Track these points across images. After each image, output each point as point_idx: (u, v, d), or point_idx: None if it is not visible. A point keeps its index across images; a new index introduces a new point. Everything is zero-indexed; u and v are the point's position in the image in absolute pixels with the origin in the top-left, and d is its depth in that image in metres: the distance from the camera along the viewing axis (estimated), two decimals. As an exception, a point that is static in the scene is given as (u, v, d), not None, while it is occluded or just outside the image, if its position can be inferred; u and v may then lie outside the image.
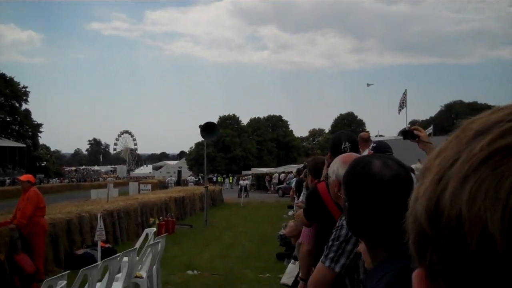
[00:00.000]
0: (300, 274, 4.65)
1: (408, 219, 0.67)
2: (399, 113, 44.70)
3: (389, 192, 1.74)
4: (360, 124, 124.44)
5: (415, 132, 4.26)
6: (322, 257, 3.19)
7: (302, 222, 4.48)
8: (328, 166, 4.87)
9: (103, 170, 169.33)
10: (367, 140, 9.10)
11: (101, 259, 10.43)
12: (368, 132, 9.49)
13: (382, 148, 5.83)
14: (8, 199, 44.27)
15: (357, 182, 1.81)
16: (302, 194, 8.88)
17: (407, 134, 4.32)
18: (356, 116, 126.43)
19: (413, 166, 8.20)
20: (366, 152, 8.23)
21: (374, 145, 5.95)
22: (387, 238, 1.76)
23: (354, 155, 3.41)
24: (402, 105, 44.79)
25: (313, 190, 4.35)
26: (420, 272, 0.65)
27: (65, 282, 5.42)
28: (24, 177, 11.01)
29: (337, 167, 3.25)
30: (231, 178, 71.56)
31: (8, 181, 68.68)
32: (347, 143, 4.67)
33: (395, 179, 1.76)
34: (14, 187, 54.28)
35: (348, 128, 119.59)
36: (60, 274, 5.71)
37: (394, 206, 1.74)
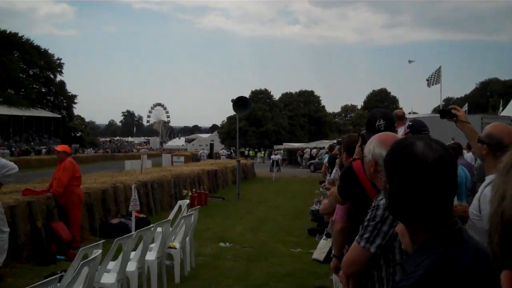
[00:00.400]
0: (333, 251, 4.63)
1: (491, 218, 0.63)
2: (429, 86, 43.99)
3: (432, 175, 1.70)
4: (393, 100, 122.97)
5: (453, 111, 4.17)
6: (357, 236, 3.17)
7: (336, 199, 4.44)
8: (361, 144, 4.82)
9: (136, 142, 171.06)
10: (402, 117, 8.97)
11: (135, 229, 10.59)
12: (402, 109, 9.35)
13: (418, 127, 5.73)
14: (45, 167, 45.21)
15: (399, 164, 1.76)
16: (334, 170, 8.83)
17: (444, 113, 4.23)
18: (389, 93, 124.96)
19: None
20: (401, 130, 8.15)
21: (410, 123, 5.84)
22: (429, 222, 1.72)
23: (390, 134, 3.36)
24: (433, 80, 44.04)
25: (348, 168, 4.31)
26: (509, 274, 0.61)
27: (100, 251, 5.51)
28: (60, 148, 11.19)
29: (373, 147, 3.20)
30: (262, 152, 71.64)
31: (44, 150, 69.87)
32: (381, 120, 4.58)
33: (439, 161, 1.72)
34: (50, 156, 55.32)
35: (381, 105, 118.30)
36: (95, 243, 5.81)
37: (437, 189, 1.70)
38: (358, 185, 3.96)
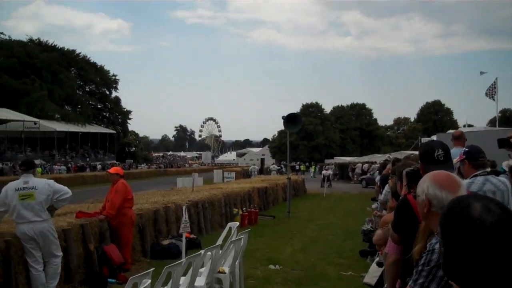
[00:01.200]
0: (386, 285, 4.50)
1: None
2: (492, 98, 43.06)
3: (490, 240, 1.60)
4: (447, 112, 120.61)
5: (512, 140, 4.02)
6: (411, 282, 3.05)
7: (390, 234, 4.30)
8: (408, 182, 4.67)
9: (188, 156, 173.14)
10: (460, 137, 8.74)
11: (186, 250, 10.66)
12: (460, 131, 9.08)
13: (475, 153, 5.55)
14: (99, 183, 46.20)
15: (454, 226, 1.67)
16: (385, 191, 8.64)
17: (503, 142, 4.09)
18: (443, 104, 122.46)
19: (504, 163, 7.79)
20: (458, 151, 7.91)
21: (467, 149, 5.67)
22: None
23: (444, 173, 3.22)
24: (491, 92, 43.07)
25: (404, 202, 4.18)
26: None
27: (149, 281, 5.52)
28: (113, 170, 11.37)
29: (427, 186, 3.08)
30: (314, 166, 71.23)
31: (99, 166, 71.42)
32: (440, 150, 4.45)
33: (497, 225, 1.62)
34: (104, 172, 56.49)
35: (435, 117, 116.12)
36: (145, 272, 5.81)
37: (496, 255, 1.60)
38: (414, 220, 3.81)
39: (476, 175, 5.37)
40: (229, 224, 10.12)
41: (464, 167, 5.56)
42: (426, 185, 3.08)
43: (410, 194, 4.47)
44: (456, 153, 6.90)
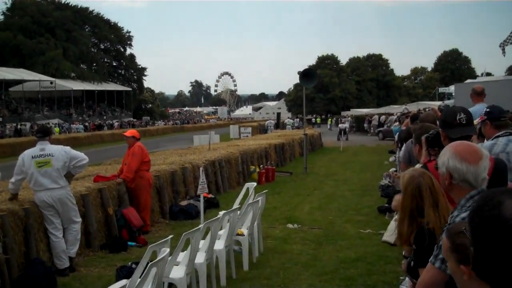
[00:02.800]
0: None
1: None
2: (503, 51, 41.85)
3: None
4: (465, 61, 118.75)
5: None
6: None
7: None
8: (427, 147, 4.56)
9: (205, 111, 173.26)
10: (481, 93, 8.55)
11: (204, 210, 10.70)
12: (482, 86, 8.85)
13: (496, 113, 5.39)
14: (117, 142, 46.49)
15: (485, 226, 1.56)
16: (403, 149, 8.51)
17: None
18: (461, 53, 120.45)
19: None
20: (478, 107, 7.73)
21: (488, 110, 5.50)
22: None
23: (465, 144, 3.10)
24: (508, 41, 41.87)
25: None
26: None
27: (168, 249, 5.52)
28: (129, 133, 11.34)
29: (447, 158, 2.98)
30: (330, 119, 70.89)
31: (116, 124, 71.79)
32: (462, 114, 4.33)
33: None
34: (122, 130, 56.79)
35: (452, 66, 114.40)
36: (162, 240, 5.83)
37: None
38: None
39: (498, 136, 5.23)
40: (247, 185, 10.10)
41: (485, 128, 5.41)
42: (447, 157, 2.99)
43: (430, 162, 4.37)
44: (478, 110, 6.74)
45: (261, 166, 18.80)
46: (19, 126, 54.07)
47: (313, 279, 7.55)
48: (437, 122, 5.39)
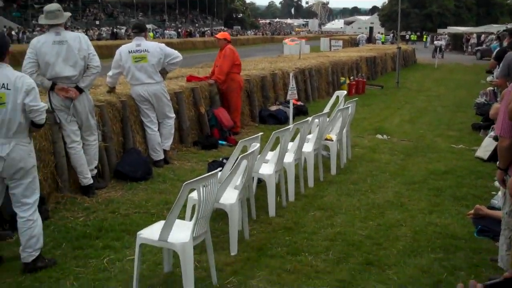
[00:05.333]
0: (498, 163, 4.28)
1: None
2: None
3: None
4: None
5: None
6: None
7: (509, 110, 3.95)
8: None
9: (295, 24, 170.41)
10: None
11: (293, 117, 10.74)
12: None
13: None
14: (208, 49, 46.96)
15: None
16: (502, 61, 8.08)
17: None
18: None
19: None
20: None
21: None
22: None
23: None
24: None
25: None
26: None
27: (258, 145, 5.60)
28: (221, 35, 11.34)
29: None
30: (425, 36, 68.00)
31: (207, 31, 72.19)
32: None
33: None
34: (213, 38, 57.07)
35: None
36: (254, 136, 5.91)
37: None
38: None
39: None
40: (337, 93, 9.98)
41: None
42: None
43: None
44: None
45: (351, 78, 18.48)
46: (115, 30, 55.49)
47: (401, 187, 7.50)
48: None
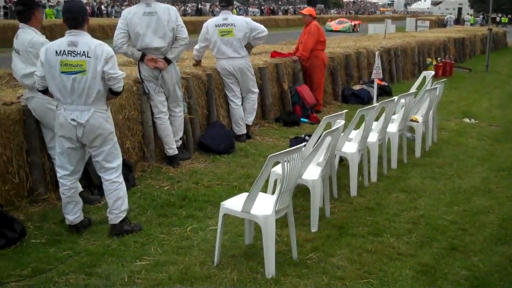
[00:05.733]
0: None
1: None
2: None
3: None
4: None
5: None
6: None
7: None
8: None
9: (380, 3, 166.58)
10: None
11: (377, 97, 10.52)
12: None
13: None
14: (291, 27, 46.75)
15: None
16: None
17: None
18: None
19: None
20: None
21: None
22: None
23: None
24: None
25: None
26: None
27: (343, 121, 5.51)
28: (306, 11, 11.20)
29: None
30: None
31: (291, 9, 71.83)
32: None
33: None
34: (296, 16, 56.73)
35: None
36: (338, 113, 5.83)
37: None
38: None
39: None
40: (424, 73, 9.70)
41: None
42: None
43: None
44: None
45: (438, 59, 17.89)
46: (199, 6, 56.16)
47: (488, 173, 7.22)
48: None
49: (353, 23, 47.27)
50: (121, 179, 4.93)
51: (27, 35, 5.26)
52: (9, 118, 5.32)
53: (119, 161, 4.95)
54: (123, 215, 4.90)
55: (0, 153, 5.22)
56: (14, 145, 5.37)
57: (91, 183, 5.73)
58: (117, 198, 4.87)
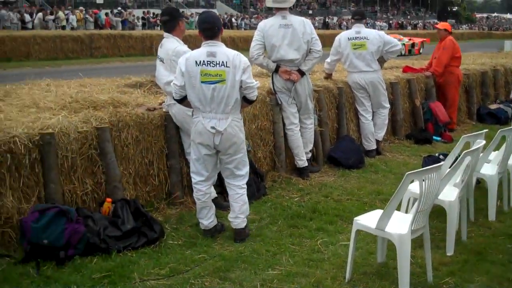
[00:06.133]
0: None
1: None
2: None
3: None
4: None
5: None
6: None
7: None
8: None
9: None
10: None
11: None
12: None
13: None
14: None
15: None
16: None
17: None
18: None
19: None
20: None
21: None
22: None
23: None
24: None
25: None
26: None
27: (483, 141, 5.23)
28: (441, 25, 10.85)
29: None
30: None
31: (420, 24, 70.12)
32: None
33: None
34: (425, 31, 55.26)
35: None
36: (478, 132, 5.55)
37: None
38: None
39: None
40: None
41: None
42: None
43: None
44: None
45: None
46: (327, 20, 56.27)
47: None
48: None
49: (411, 41, 34.01)
50: (246, 185, 5.12)
51: (171, 44, 5.51)
52: (152, 123, 5.61)
53: (247, 169, 5.13)
54: (246, 219, 5.11)
55: (143, 156, 5.53)
56: (156, 149, 5.66)
57: (224, 189, 5.87)
58: (244, 202, 5.05)
